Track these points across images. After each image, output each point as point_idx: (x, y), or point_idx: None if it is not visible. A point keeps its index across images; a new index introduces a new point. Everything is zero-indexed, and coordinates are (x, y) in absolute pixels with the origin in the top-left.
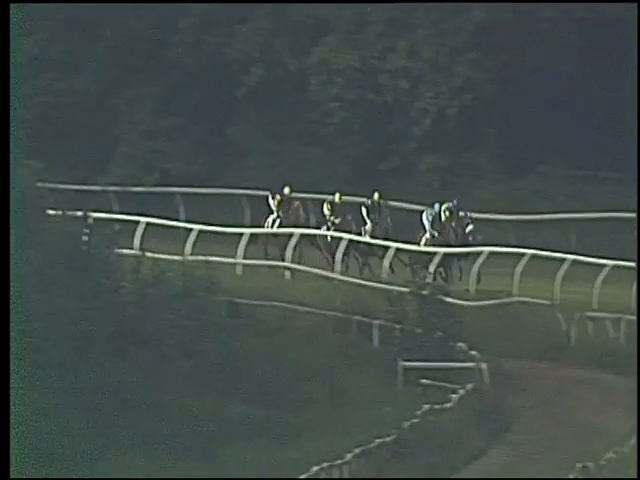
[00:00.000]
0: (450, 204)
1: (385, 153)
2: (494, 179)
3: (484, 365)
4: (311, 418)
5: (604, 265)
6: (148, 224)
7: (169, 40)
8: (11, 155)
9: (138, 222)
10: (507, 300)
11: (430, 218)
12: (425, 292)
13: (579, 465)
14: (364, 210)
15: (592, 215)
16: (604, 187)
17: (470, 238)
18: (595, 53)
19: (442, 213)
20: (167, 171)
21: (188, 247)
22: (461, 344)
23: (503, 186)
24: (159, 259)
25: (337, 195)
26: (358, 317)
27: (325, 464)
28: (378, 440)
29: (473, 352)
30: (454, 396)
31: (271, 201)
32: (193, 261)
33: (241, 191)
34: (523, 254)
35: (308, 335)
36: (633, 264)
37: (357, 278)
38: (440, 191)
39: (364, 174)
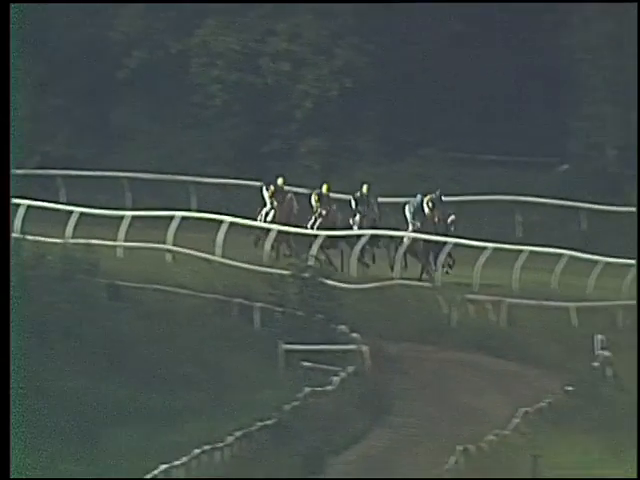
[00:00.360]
0: (433, 195)
1: (266, 135)
2: (374, 161)
3: (365, 348)
4: (192, 401)
5: (485, 248)
6: (29, 207)
7: (50, 22)
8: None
9: (19, 205)
10: (388, 283)
11: (412, 209)
12: (306, 275)
13: (460, 447)
14: (352, 202)
15: (472, 198)
16: (483, 170)
17: (452, 229)
18: (477, 37)
19: (425, 205)
20: (47, 154)
21: (69, 230)
22: (342, 327)
23: (383, 168)
24: (40, 242)
25: (325, 187)
26: (239, 300)
27: (206, 447)
28: (259, 423)
29: (354, 335)
30: (335, 379)
31: (265, 193)
32: (74, 244)
33: (123, 174)
34: (402, 237)
35: (189, 318)
36: (514, 246)
37: (239, 261)
38: (321, 173)
39: (245, 156)
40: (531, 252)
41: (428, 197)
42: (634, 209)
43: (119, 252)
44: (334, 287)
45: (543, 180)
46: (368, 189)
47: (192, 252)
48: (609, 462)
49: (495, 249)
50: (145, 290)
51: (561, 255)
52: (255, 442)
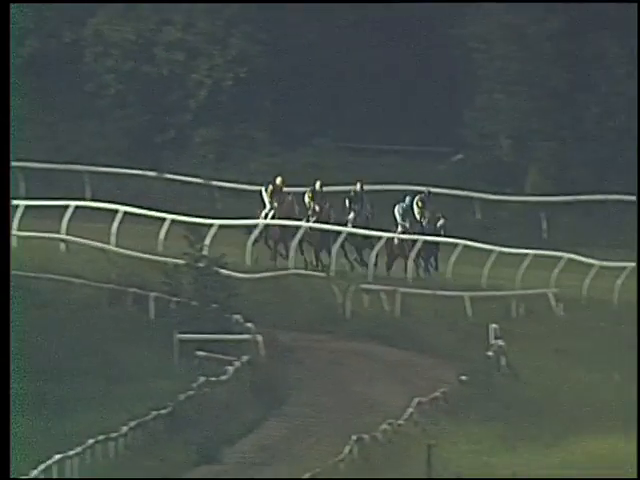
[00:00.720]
0: (423, 195)
1: (161, 125)
2: (269, 151)
3: (260, 337)
4: (86, 391)
5: (380, 237)
6: None
7: None
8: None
9: None
10: (283, 272)
11: (401, 211)
12: (201, 264)
13: (354, 437)
14: (347, 200)
15: (365, 187)
16: (378, 159)
17: (442, 232)
18: (371, 28)
19: (415, 205)
20: None
21: None
22: (237, 316)
23: (277, 158)
24: None
25: (318, 184)
26: (134, 289)
27: (100, 437)
28: (154, 412)
29: (249, 324)
30: (230, 368)
31: (264, 193)
32: None
33: (16, 163)
34: (299, 227)
35: (83, 307)
36: (409, 236)
37: (133, 251)
38: (215, 163)
39: (140, 146)
40: (425, 242)
41: (418, 197)
42: (529, 198)
43: (13, 242)
44: (228, 277)
45: (437, 170)
46: (362, 187)
47: (86, 242)
48: (502, 451)
49: (389, 239)
50: (39, 279)
51: (455, 245)
52: (149, 432)
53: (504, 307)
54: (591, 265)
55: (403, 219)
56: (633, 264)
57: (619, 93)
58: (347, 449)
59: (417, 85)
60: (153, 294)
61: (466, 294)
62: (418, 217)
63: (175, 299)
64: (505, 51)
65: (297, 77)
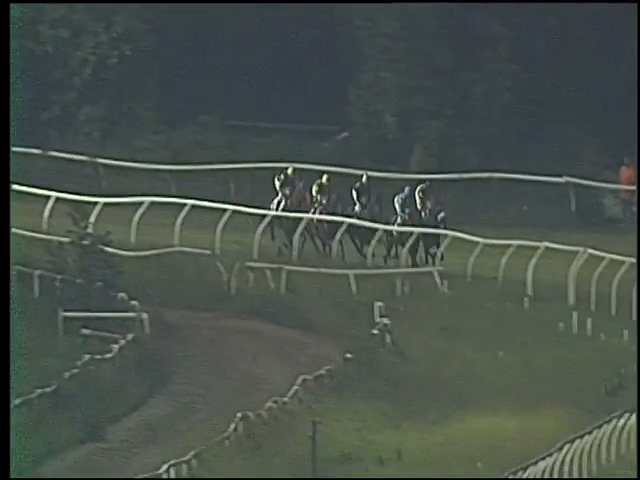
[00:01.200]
0: (424, 185)
1: (45, 103)
2: (154, 129)
3: (145, 315)
4: None
5: (264, 215)
6: None
7: None
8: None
9: None
10: (168, 250)
11: (400, 202)
12: (86, 242)
13: (239, 415)
14: (354, 193)
15: (251, 165)
16: (263, 137)
17: (442, 226)
18: (259, 5)
19: (417, 195)
20: None
21: None
22: (122, 294)
23: (163, 136)
24: None
25: (324, 177)
26: (18, 267)
27: None
28: (38, 390)
29: (134, 302)
30: (115, 346)
31: (276, 182)
32: None
33: None
34: (184, 204)
35: None
36: (295, 214)
37: (19, 229)
38: (100, 141)
39: (24, 124)
40: (311, 220)
41: (419, 187)
42: (413, 176)
43: None
44: (113, 254)
45: (323, 147)
46: (368, 179)
47: None
48: (387, 429)
49: (275, 217)
50: None
51: (341, 223)
52: (34, 410)
53: (389, 285)
54: (476, 243)
55: (402, 210)
56: (518, 242)
57: (503, 72)
58: (232, 427)
59: (303, 63)
60: (37, 272)
61: (351, 272)
62: (419, 207)
63: (60, 277)
64: (390, 29)
65: (182, 55)
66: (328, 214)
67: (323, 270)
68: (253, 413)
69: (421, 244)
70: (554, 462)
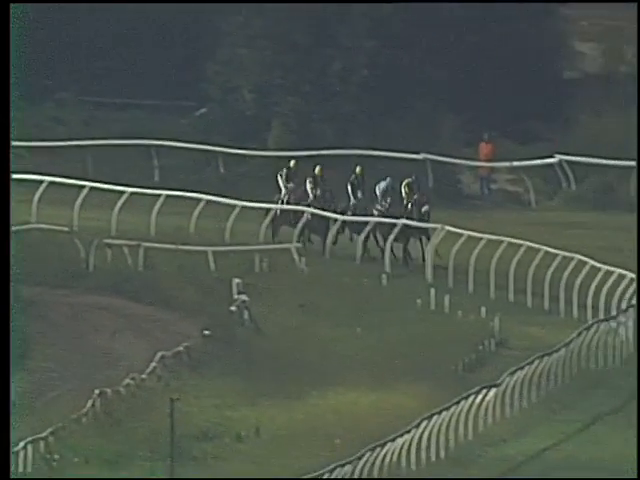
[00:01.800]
0: (410, 180)
1: None
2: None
3: None
4: None
5: (123, 192)
6: None
7: None
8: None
9: None
10: (25, 227)
11: (379, 191)
12: None
13: (97, 391)
14: (349, 186)
15: (108, 142)
16: (120, 113)
17: (426, 218)
18: None
19: (402, 189)
20: None
21: None
22: None
23: (19, 112)
24: None
25: (318, 169)
26: None
27: None
28: None
29: None
30: None
31: (280, 178)
32: None
33: None
34: (41, 181)
35: None
36: (152, 191)
37: None
38: None
39: None
40: (169, 196)
41: (406, 181)
42: (272, 152)
43: None
44: None
45: (181, 124)
46: (362, 171)
47: None
48: (245, 406)
49: (133, 194)
50: None
51: (199, 200)
52: None
53: (248, 262)
54: (334, 220)
55: (384, 199)
56: (375, 219)
57: (361, 48)
58: (90, 403)
59: (159, 39)
60: None
61: (209, 249)
62: (405, 201)
63: None
64: (247, 5)
65: (38, 30)
66: (323, 208)
67: (181, 247)
68: (111, 390)
69: (405, 234)
70: (412, 438)
